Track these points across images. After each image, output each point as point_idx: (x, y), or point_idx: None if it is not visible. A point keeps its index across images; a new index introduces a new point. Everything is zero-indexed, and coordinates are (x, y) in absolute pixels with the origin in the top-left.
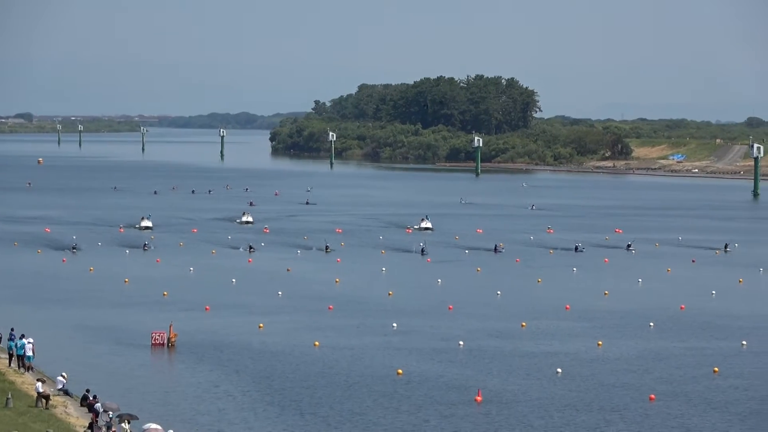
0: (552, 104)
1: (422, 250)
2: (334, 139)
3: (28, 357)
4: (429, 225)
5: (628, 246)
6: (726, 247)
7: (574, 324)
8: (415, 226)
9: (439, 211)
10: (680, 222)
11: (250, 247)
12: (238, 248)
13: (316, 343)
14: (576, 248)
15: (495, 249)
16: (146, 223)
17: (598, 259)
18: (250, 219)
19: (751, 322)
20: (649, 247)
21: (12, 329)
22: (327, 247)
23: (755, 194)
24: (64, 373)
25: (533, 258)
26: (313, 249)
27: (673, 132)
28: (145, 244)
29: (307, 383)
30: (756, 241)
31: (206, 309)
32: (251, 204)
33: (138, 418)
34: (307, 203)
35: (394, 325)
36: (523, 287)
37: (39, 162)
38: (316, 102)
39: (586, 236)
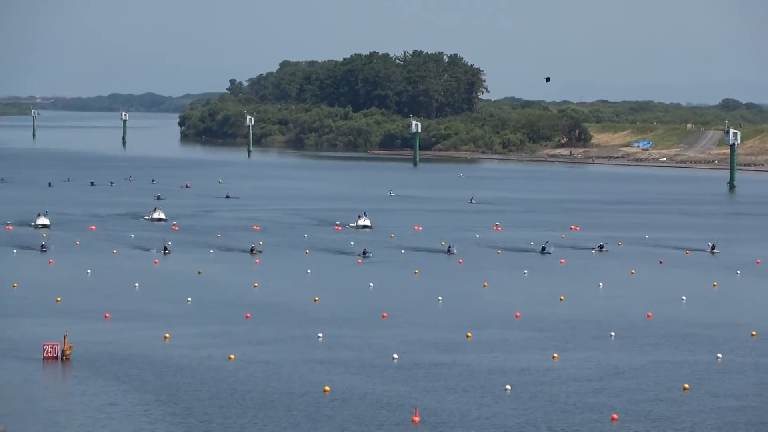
0: (500, 84)
1: (364, 252)
2: (253, 123)
3: None
4: (368, 222)
5: (601, 247)
6: (713, 247)
7: (526, 334)
8: (352, 224)
9: (371, 205)
10: (646, 218)
11: (165, 248)
12: (150, 249)
13: (231, 356)
14: (543, 249)
15: (448, 251)
16: (43, 220)
17: (553, 261)
18: (162, 215)
19: (727, 332)
20: (610, 247)
21: None
22: (252, 249)
23: (731, 186)
24: None
25: (479, 259)
26: (235, 251)
27: (638, 116)
28: (43, 245)
29: (219, 402)
30: (733, 240)
31: (106, 317)
32: (158, 197)
33: None
34: (228, 197)
35: (320, 335)
36: (468, 292)
37: None
38: (232, 81)
39: (539, 234)
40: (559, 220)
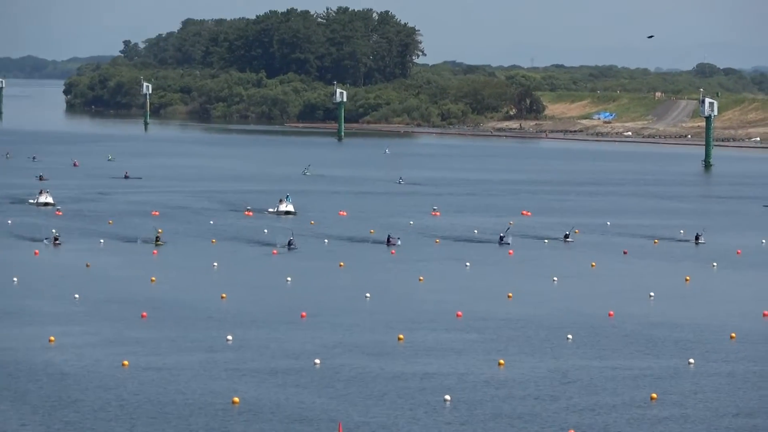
0: (439, 47)
1: (289, 243)
2: (150, 92)
3: None
4: (291, 208)
5: (566, 236)
6: (698, 237)
7: (467, 336)
8: (271, 210)
9: (286, 187)
10: (608, 201)
11: (56, 238)
12: (38, 239)
13: (125, 362)
14: (501, 238)
15: (388, 241)
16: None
17: (500, 251)
18: (49, 200)
19: (701, 334)
20: (569, 234)
21: None
22: (158, 238)
23: (707, 164)
24: None
25: (414, 249)
26: (129, 240)
27: (598, 83)
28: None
29: (108, 415)
30: (709, 227)
31: None
32: (41, 178)
33: None
34: (127, 177)
35: (229, 338)
36: (401, 288)
37: None
38: (126, 43)
39: (483, 220)
40: (507, 204)
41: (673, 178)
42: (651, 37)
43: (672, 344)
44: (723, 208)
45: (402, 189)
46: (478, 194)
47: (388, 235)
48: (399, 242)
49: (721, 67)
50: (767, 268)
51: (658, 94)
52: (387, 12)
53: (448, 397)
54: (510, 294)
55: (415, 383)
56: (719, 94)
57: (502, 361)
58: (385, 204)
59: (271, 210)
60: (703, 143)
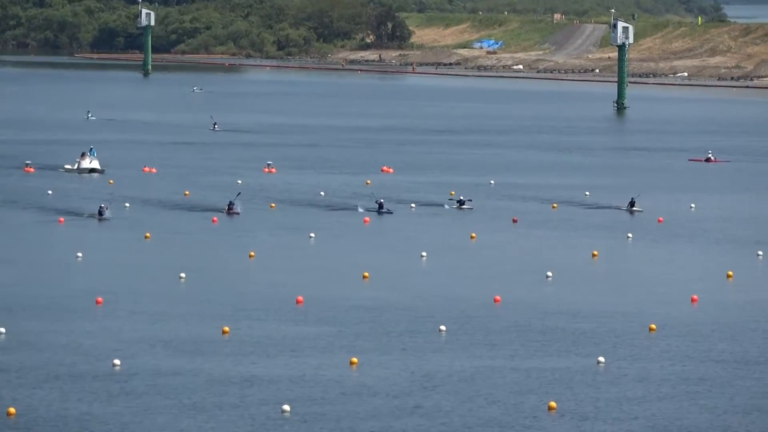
0: None
1: (100, 212)
2: None
3: None
4: (96, 164)
5: (460, 203)
6: (633, 204)
7: (310, 329)
8: (68, 166)
9: (70, 136)
10: (493, 155)
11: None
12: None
13: None
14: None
15: (229, 209)
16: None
17: (350, 219)
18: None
19: (612, 325)
20: (440, 196)
21: None
22: (102, 210)
23: (620, 106)
24: None
25: (242, 217)
26: None
27: (480, 2)
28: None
29: None
30: (623, 188)
31: None
32: None
33: None
34: None
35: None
36: (226, 267)
37: None
38: None
39: (331, 179)
40: (362, 158)
41: (577, 124)
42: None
43: (575, 338)
44: (640, 162)
45: (227, 139)
46: (325, 145)
47: (230, 202)
48: (238, 208)
49: None
50: (697, 240)
51: (557, 16)
52: None
53: (286, 407)
54: (366, 274)
55: (240, 387)
56: (636, 17)
57: (354, 360)
58: (204, 157)
59: (68, 166)
60: (615, 80)
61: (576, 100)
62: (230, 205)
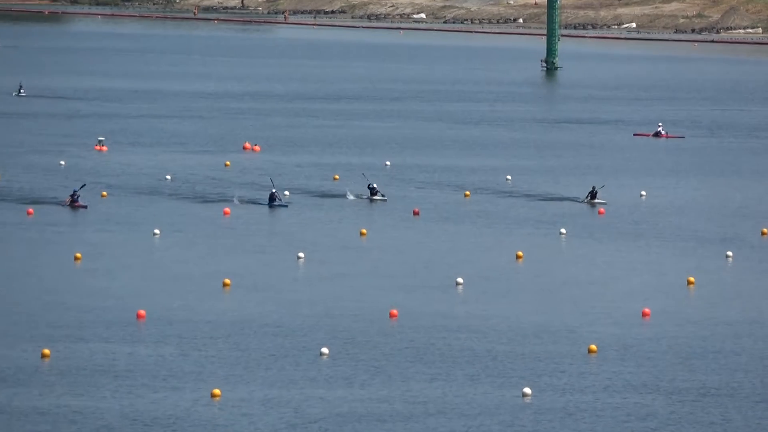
0: None
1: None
2: None
3: None
4: None
5: (373, 191)
6: (593, 194)
7: (154, 353)
8: None
9: None
10: (388, 129)
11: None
12: None
13: None
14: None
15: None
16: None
17: (205, 212)
18: None
19: (545, 346)
20: (320, 185)
21: None
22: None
23: (550, 66)
24: None
25: (68, 210)
26: None
27: None
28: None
29: None
30: (557, 169)
31: None
32: None
33: None
34: None
35: None
36: (40, 273)
37: None
38: None
39: (178, 159)
40: (219, 133)
41: (495, 89)
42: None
43: (493, 364)
44: (574, 138)
45: (41, 108)
46: (171, 116)
47: (72, 194)
48: (83, 200)
49: None
50: (649, 237)
51: None
52: None
53: None
54: (227, 281)
55: (65, 416)
56: None
57: (216, 392)
58: (9, 130)
59: None
60: (544, 33)
61: (494, 59)
62: (73, 195)
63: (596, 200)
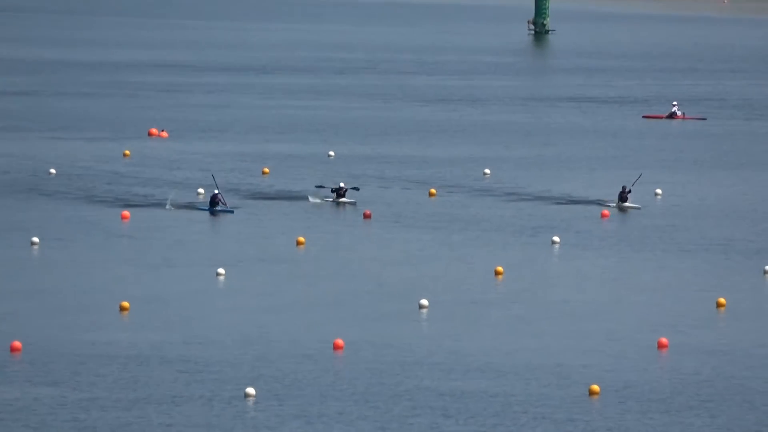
0: None
1: (213, 200)
2: None
3: None
4: None
5: (339, 192)
6: (625, 197)
7: (34, 391)
8: None
9: None
10: (334, 110)
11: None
12: None
13: None
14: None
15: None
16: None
17: (101, 215)
18: None
19: (535, 385)
20: (243, 179)
21: None
22: None
23: (540, 28)
24: None
25: None
26: None
27: None
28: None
29: None
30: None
31: None
32: None
33: None
34: None
35: None
36: None
37: None
38: None
39: (63, 149)
40: (118, 115)
41: (475, 59)
42: None
43: (468, 409)
44: (567, 121)
45: None
46: (56, 94)
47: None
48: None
49: None
50: (667, 248)
51: None
52: None
53: None
54: (125, 304)
55: None
56: None
57: None
58: None
59: None
60: None
61: (476, 21)
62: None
63: (627, 204)
